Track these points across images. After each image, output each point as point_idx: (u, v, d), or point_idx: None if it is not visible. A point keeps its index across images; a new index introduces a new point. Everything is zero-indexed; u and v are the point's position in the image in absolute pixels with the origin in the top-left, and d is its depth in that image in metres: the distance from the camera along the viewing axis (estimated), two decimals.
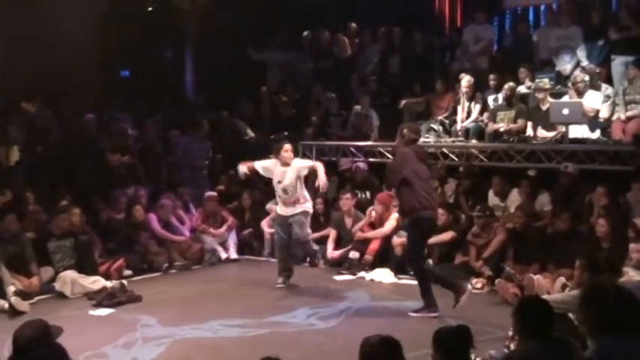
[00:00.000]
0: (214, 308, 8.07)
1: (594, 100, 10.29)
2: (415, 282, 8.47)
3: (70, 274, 8.75)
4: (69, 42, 12.79)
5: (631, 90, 9.98)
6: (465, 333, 4.04)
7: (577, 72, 10.62)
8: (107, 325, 7.48)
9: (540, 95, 10.56)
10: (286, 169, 8.88)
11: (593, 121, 10.29)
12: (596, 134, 10.20)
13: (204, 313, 7.82)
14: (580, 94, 10.27)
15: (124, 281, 8.78)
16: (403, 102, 12.03)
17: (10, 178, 10.62)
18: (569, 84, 10.54)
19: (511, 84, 10.94)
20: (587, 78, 10.41)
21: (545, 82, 10.74)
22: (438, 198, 10.37)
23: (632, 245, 6.99)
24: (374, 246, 9.97)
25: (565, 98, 10.48)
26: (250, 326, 7.35)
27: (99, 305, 8.18)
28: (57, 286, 8.73)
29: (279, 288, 8.99)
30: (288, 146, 9.06)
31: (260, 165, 9.16)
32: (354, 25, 14.33)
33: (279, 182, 8.91)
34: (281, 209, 9.06)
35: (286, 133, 12.35)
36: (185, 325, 7.31)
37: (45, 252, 9.00)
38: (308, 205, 9.03)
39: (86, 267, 9.02)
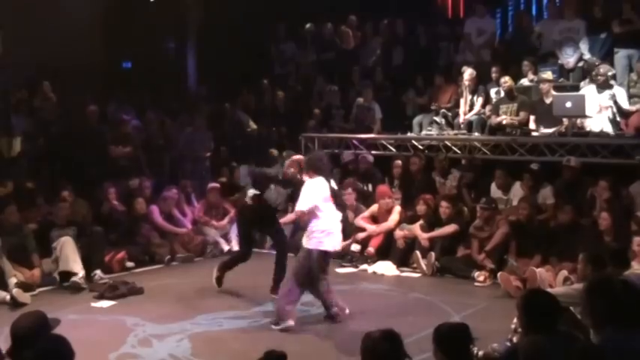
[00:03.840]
0: (216, 301, 8.12)
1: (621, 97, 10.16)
2: (417, 275, 8.54)
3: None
4: (72, 33, 12.77)
5: (637, 84, 9.94)
6: (464, 330, 4.04)
7: (603, 65, 10.42)
8: (111, 322, 7.40)
9: (544, 86, 10.51)
10: None
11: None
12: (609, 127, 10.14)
13: (206, 306, 7.86)
14: (600, 87, 10.08)
15: None
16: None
17: (12, 169, 10.61)
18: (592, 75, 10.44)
19: (506, 78, 10.90)
20: (610, 73, 10.14)
21: (549, 74, 10.71)
22: (441, 191, 10.42)
23: (636, 238, 6.96)
24: (376, 239, 9.96)
25: (585, 90, 10.32)
26: (248, 317, 7.46)
27: (101, 297, 8.18)
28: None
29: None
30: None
31: None
32: (353, 17, 14.29)
33: None
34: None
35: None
36: (189, 319, 7.32)
37: (47, 243, 8.99)
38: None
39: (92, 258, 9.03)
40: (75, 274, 8.55)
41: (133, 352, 6.46)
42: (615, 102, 10.03)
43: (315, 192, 6.96)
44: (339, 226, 7.19)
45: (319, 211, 6.95)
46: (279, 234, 8.49)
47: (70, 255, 8.63)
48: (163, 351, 6.45)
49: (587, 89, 10.27)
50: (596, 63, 10.68)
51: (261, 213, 8.27)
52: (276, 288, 8.07)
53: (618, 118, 10.08)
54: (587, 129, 10.03)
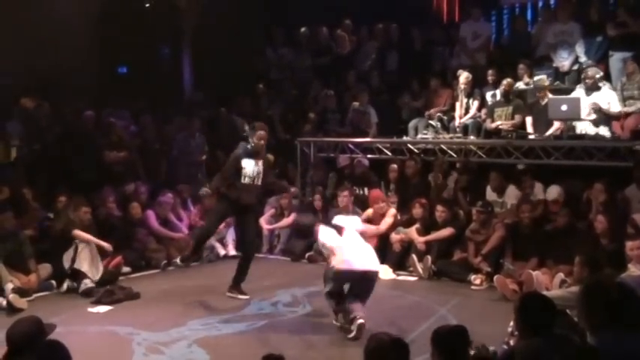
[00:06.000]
0: (203, 305, 8.14)
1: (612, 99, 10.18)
2: (413, 278, 8.51)
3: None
4: (67, 38, 12.76)
5: (629, 85, 9.97)
6: (462, 333, 4.04)
7: (591, 67, 10.47)
8: (107, 330, 7.36)
9: (540, 94, 10.55)
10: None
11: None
12: (601, 130, 10.16)
13: (195, 310, 7.88)
14: (589, 90, 10.15)
15: None
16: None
17: (8, 175, 10.59)
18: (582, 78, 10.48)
19: (509, 80, 10.94)
20: (598, 75, 10.21)
21: (544, 79, 10.73)
22: (439, 194, 10.41)
23: (629, 243, 6.96)
24: (372, 243, 9.94)
25: (576, 93, 10.35)
26: (243, 320, 7.47)
27: (97, 302, 8.18)
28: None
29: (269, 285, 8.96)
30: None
31: None
32: (347, 21, 14.30)
33: None
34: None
35: None
36: (182, 325, 7.28)
37: (42, 249, 8.99)
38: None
39: None
40: (85, 276, 8.64)
41: None
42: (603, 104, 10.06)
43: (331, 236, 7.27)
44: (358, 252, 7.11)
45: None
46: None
47: (87, 258, 8.75)
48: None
49: (577, 92, 10.33)
50: (590, 65, 10.72)
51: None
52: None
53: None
54: (579, 132, 10.05)
